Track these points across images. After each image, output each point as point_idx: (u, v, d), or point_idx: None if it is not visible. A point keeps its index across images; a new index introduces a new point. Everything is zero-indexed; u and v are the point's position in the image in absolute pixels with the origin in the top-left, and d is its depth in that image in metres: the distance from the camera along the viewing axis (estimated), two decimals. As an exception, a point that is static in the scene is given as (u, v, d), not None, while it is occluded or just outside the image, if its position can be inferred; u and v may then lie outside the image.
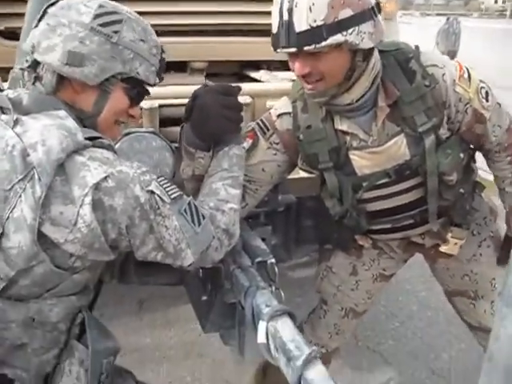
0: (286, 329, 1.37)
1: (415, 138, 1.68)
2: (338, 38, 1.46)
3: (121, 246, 1.33)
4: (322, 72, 1.54)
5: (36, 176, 1.19)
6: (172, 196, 1.35)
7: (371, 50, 1.58)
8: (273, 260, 1.70)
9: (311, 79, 1.57)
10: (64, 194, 1.21)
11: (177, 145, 1.74)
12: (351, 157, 1.73)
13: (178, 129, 1.69)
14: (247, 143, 1.76)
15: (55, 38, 1.34)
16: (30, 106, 1.34)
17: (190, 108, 1.57)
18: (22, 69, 1.46)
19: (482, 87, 1.73)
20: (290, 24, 1.46)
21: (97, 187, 1.23)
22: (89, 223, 1.22)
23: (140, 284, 2.00)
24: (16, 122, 1.26)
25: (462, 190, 1.81)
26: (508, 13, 43.44)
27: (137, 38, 1.41)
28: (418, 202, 1.81)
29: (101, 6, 1.37)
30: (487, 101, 1.73)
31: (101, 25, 1.35)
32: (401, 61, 1.67)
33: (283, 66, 2.85)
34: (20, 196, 1.20)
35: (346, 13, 1.45)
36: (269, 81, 2.76)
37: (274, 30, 1.52)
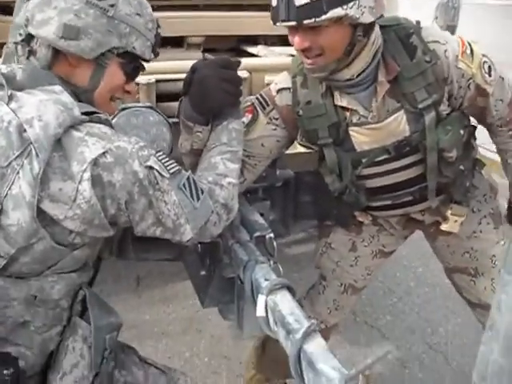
0: (285, 302, 1.37)
1: (415, 114, 1.66)
2: (338, 11, 1.44)
3: (120, 221, 1.33)
4: (321, 46, 1.52)
5: (33, 152, 1.17)
6: (171, 171, 1.34)
7: (372, 24, 1.56)
8: (271, 234, 1.70)
9: (311, 54, 1.55)
10: (62, 170, 1.20)
11: (174, 120, 1.73)
12: (351, 133, 1.72)
13: (175, 104, 1.68)
14: (246, 118, 1.75)
15: (50, 10, 1.31)
16: (24, 82, 1.32)
17: (189, 81, 1.55)
18: (15, 43, 1.43)
19: (484, 61, 1.71)
20: None
21: (95, 163, 1.22)
22: (88, 199, 1.21)
23: (138, 260, 2.00)
24: (10, 98, 1.24)
25: (461, 167, 1.79)
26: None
27: (133, 11, 1.38)
28: (418, 178, 1.80)
29: None
30: (490, 75, 1.71)
31: None
32: (402, 36, 1.65)
33: (281, 40, 2.84)
34: (18, 173, 1.18)
35: None
36: (266, 56, 2.75)
37: (274, 3, 1.50)
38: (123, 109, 1.89)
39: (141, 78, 2.23)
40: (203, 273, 1.91)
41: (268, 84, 1.89)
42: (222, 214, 1.44)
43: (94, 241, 1.35)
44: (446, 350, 3.04)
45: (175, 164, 1.36)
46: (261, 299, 1.40)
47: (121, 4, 1.36)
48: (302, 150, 1.94)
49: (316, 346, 1.20)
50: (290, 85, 1.76)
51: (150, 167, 1.30)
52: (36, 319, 1.33)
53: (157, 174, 1.31)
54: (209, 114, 1.58)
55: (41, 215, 1.20)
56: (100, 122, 1.31)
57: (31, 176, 1.17)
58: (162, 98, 2.29)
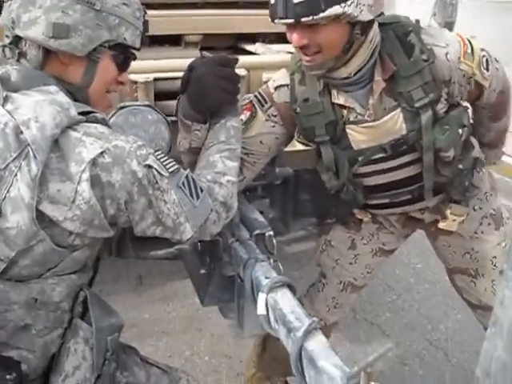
0: (285, 300, 1.37)
1: (412, 113, 1.66)
2: (336, 9, 1.44)
3: (120, 221, 1.32)
4: (319, 44, 1.52)
5: (31, 153, 1.16)
6: (170, 170, 1.33)
7: (370, 22, 1.56)
8: (271, 232, 1.70)
9: (309, 51, 1.55)
10: (60, 171, 1.19)
11: (173, 118, 1.72)
12: (348, 131, 1.72)
13: (173, 102, 1.67)
14: (245, 116, 1.74)
15: (36, 10, 1.29)
16: (19, 83, 1.30)
17: (187, 79, 1.55)
18: (3, 46, 1.38)
19: (483, 56, 1.71)
20: None
21: (94, 163, 1.21)
22: (88, 200, 1.21)
23: (137, 258, 2.00)
24: (6, 100, 1.22)
25: (460, 167, 1.78)
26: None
27: (119, 2, 1.37)
28: (416, 177, 1.79)
29: None
30: (487, 70, 1.71)
31: None
32: (400, 34, 1.64)
33: (279, 38, 2.83)
34: (16, 175, 1.17)
35: None
36: (264, 53, 2.74)
37: (272, 0, 1.50)
38: (121, 107, 1.89)
39: (139, 77, 2.23)
40: (203, 271, 1.91)
41: (266, 82, 1.88)
42: (222, 212, 1.44)
43: (94, 242, 1.34)
44: (446, 346, 3.04)
45: (174, 163, 1.35)
46: (261, 297, 1.40)
47: None
48: (301, 147, 1.93)
49: (317, 344, 1.20)
50: (288, 82, 1.76)
51: (149, 166, 1.29)
52: (37, 322, 1.32)
53: (156, 172, 1.30)
54: (207, 113, 1.57)
55: (40, 217, 1.19)
56: (97, 121, 1.30)
57: (29, 178, 1.16)
58: (161, 96, 2.29)
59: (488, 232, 1.99)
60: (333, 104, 1.70)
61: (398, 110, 1.66)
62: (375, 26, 1.60)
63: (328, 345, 1.20)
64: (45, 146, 1.16)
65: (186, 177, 1.36)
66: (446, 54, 1.64)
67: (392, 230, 2.07)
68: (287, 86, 1.76)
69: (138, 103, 1.96)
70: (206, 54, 1.62)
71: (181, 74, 1.59)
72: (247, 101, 1.79)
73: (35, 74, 1.33)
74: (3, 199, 1.18)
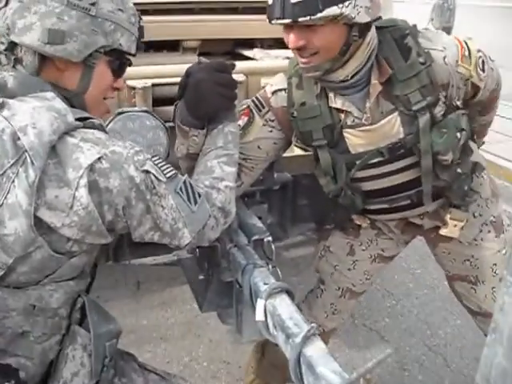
0: (284, 306, 1.36)
1: (409, 116, 1.65)
2: (333, 10, 1.44)
3: (117, 227, 1.31)
4: (316, 45, 1.52)
5: (28, 160, 1.16)
6: (167, 175, 1.32)
7: (368, 25, 1.56)
8: (269, 238, 1.70)
9: (306, 53, 1.55)
10: (58, 177, 1.18)
11: (171, 124, 1.72)
12: (345, 135, 1.71)
13: (171, 108, 1.67)
14: (242, 121, 1.74)
15: (31, 16, 1.28)
16: (15, 89, 1.30)
17: (184, 85, 1.55)
18: None
19: (479, 58, 1.71)
20: None
21: (91, 169, 1.20)
22: (85, 205, 1.20)
23: (135, 258, 2.00)
24: (2, 106, 1.22)
25: (459, 171, 1.77)
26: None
27: (115, 7, 1.36)
28: (414, 182, 1.78)
29: None
30: (483, 71, 1.72)
31: None
32: (397, 37, 1.65)
33: (277, 44, 2.83)
34: (13, 181, 1.16)
35: None
36: (262, 59, 2.74)
37: (270, 1, 1.50)
38: (119, 113, 1.88)
39: (137, 82, 2.23)
40: (201, 277, 1.91)
41: (264, 87, 1.88)
42: (220, 217, 1.43)
43: (92, 248, 1.34)
44: (445, 352, 3.03)
45: (171, 168, 1.35)
46: (260, 303, 1.40)
47: (102, 1, 1.34)
48: (299, 153, 1.93)
49: (316, 350, 1.20)
50: (285, 86, 1.76)
51: (147, 171, 1.29)
52: (35, 329, 1.31)
53: (153, 178, 1.29)
54: (204, 118, 1.57)
55: (38, 224, 1.19)
56: (94, 127, 1.30)
57: (27, 184, 1.16)
58: (159, 102, 2.29)
59: (488, 239, 1.98)
60: (330, 108, 1.70)
61: (396, 113, 1.66)
62: (373, 28, 1.60)
63: (327, 351, 1.20)
64: (42, 152, 1.16)
65: (184, 182, 1.35)
66: (444, 57, 1.64)
67: (391, 236, 2.07)
68: (284, 90, 1.76)
69: (136, 109, 1.96)
70: (203, 59, 1.62)
71: (179, 80, 1.58)
72: (245, 106, 1.79)
73: (32, 80, 1.33)
74: (0, 206, 1.17)
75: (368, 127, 1.68)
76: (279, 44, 2.70)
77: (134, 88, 2.23)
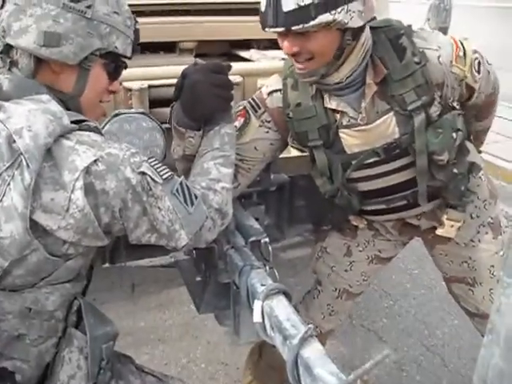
0: (281, 307, 1.36)
1: (405, 116, 1.65)
2: (326, 17, 1.44)
3: (114, 230, 1.31)
4: (311, 51, 1.52)
5: (24, 163, 1.15)
6: (163, 176, 1.32)
7: (362, 27, 1.55)
8: (266, 239, 1.70)
9: (300, 58, 1.55)
10: (54, 180, 1.18)
11: (167, 125, 1.72)
12: (341, 135, 1.71)
13: (168, 109, 1.67)
14: (239, 122, 1.74)
15: (26, 18, 1.28)
16: (10, 92, 1.29)
17: (180, 87, 1.55)
18: None
19: (475, 59, 1.71)
20: (277, 3, 1.44)
21: (87, 171, 1.20)
22: (81, 208, 1.20)
23: (132, 260, 1.99)
24: None
25: (455, 171, 1.77)
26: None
27: (110, 10, 1.36)
28: (410, 182, 1.78)
29: None
30: (479, 73, 1.71)
31: (72, 0, 1.30)
32: (391, 37, 1.64)
33: (273, 44, 2.83)
34: (8, 184, 1.16)
35: None
36: (259, 60, 2.74)
37: (262, 8, 1.50)
38: (116, 115, 1.88)
39: (133, 84, 2.23)
40: (198, 279, 1.90)
41: (261, 88, 1.88)
42: (217, 219, 1.43)
43: (88, 250, 1.33)
44: (443, 352, 3.04)
45: (168, 170, 1.35)
46: (257, 305, 1.40)
47: (98, 4, 1.33)
48: (296, 154, 1.93)
49: (313, 351, 1.20)
50: (280, 86, 1.76)
51: (143, 173, 1.28)
52: (31, 332, 1.31)
53: (150, 179, 1.29)
54: (200, 120, 1.57)
55: (33, 226, 1.18)
56: (90, 129, 1.30)
57: (22, 187, 1.15)
58: (155, 103, 2.29)
59: (486, 241, 1.97)
60: (325, 108, 1.70)
61: (391, 113, 1.66)
62: (367, 30, 1.60)
63: (324, 352, 1.20)
64: (38, 154, 1.16)
65: (180, 184, 1.35)
66: (439, 57, 1.64)
67: (388, 237, 2.07)
68: (280, 91, 1.76)
69: (132, 110, 1.95)
70: (198, 60, 1.62)
71: (175, 81, 1.58)
72: (241, 107, 1.79)
73: (27, 82, 1.33)
74: None
75: (363, 127, 1.68)
76: (275, 45, 2.70)
77: (130, 90, 2.23)
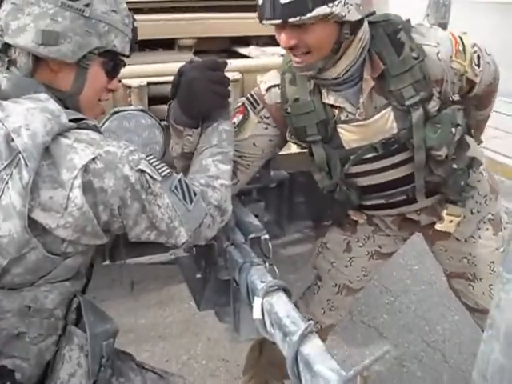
0: (281, 304, 1.36)
1: (403, 111, 1.65)
2: (323, 9, 1.43)
3: (113, 228, 1.31)
4: (308, 45, 1.52)
5: (22, 161, 1.15)
6: (162, 174, 1.32)
7: (359, 21, 1.55)
8: (266, 236, 1.69)
9: (298, 52, 1.55)
10: (52, 178, 1.18)
11: (166, 123, 1.72)
12: (339, 130, 1.71)
13: (167, 106, 1.67)
14: (237, 118, 1.74)
15: (24, 17, 1.28)
16: (9, 91, 1.29)
17: (176, 84, 1.54)
18: None
19: (474, 52, 1.70)
20: None
21: (85, 169, 1.20)
22: (80, 206, 1.20)
23: (132, 258, 1.99)
24: None
25: (454, 166, 1.76)
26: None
27: (108, 9, 1.36)
28: (409, 177, 1.78)
29: None
30: (479, 66, 1.71)
31: None
32: (389, 32, 1.64)
33: (272, 41, 2.83)
34: (7, 183, 1.16)
35: None
36: (258, 56, 2.74)
37: (260, 1, 1.50)
38: (115, 112, 1.88)
39: (133, 81, 2.23)
40: (199, 275, 1.91)
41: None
42: (216, 215, 1.43)
43: (87, 249, 1.33)
44: (443, 347, 3.04)
45: (166, 167, 1.35)
46: (257, 301, 1.40)
47: (96, 3, 1.33)
48: (296, 150, 1.93)
49: (313, 348, 1.20)
50: (278, 82, 1.76)
51: (141, 171, 1.28)
52: (31, 330, 1.31)
53: (148, 177, 1.29)
54: (198, 117, 1.57)
55: (32, 225, 1.18)
56: (88, 128, 1.29)
57: (21, 185, 1.15)
58: (155, 100, 2.28)
59: (486, 237, 1.97)
60: (324, 103, 1.70)
61: (389, 108, 1.65)
62: (365, 24, 1.60)
63: (324, 348, 1.20)
64: (36, 153, 1.15)
65: (179, 181, 1.35)
66: (438, 53, 1.63)
67: (388, 233, 2.07)
68: (278, 86, 1.75)
69: (131, 108, 1.95)
70: (195, 58, 1.62)
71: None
72: (240, 103, 1.78)
73: (25, 81, 1.33)
74: None
75: (361, 122, 1.68)
76: (274, 41, 2.69)
77: (129, 87, 2.23)
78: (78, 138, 1.23)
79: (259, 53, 2.79)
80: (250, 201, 2.09)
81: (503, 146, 5.70)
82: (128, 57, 1.46)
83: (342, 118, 1.69)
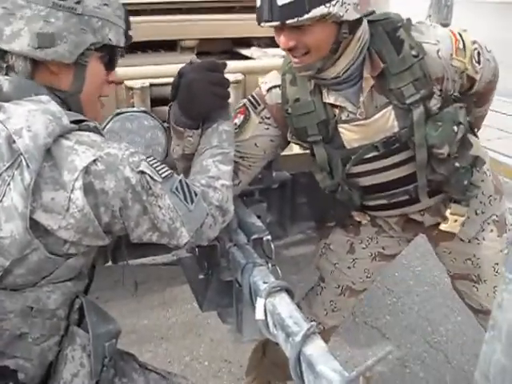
0: (283, 305, 1.36)
1: (403, 109, 1.64)
2: (321, 10, 1.43)
3: (114, 229, 1.31)
4: (307, 45, 1.52)
5: (24, 163, 1.15)
6: (163, 175, 1.32)
7: (358, 21, 1.55)
8: (269, 237, 1.70)
9: (297, 53, 1.55)
10: (54, 180, 1.18)
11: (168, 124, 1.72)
12: (340, 130, 1.71)
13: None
14: (239, 119, 1.74)
15: (17, 22, 1.28)
16: (10, 93, 1.29)
17: (176, 86, 1.55)
18: None
19: (474, 49, 1.70)
20: None
21: (86, 171, 1.20)
22: (81, 208, 1.20)
23: (134, 259, 2.00)
24: None
25: (457, 164, 1.75)
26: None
27: (100, 3, 1.36)
28: (411, 177, 1.77)
29: None
30: (479, 63, 1.70)
31: None
32: (389, 30, 1.64)
33: (274, 42, 2.82)
34: (8, 184, 1.16)
35: None
36: (260, 58, 2.74)
37: (258, 3, 1.50)
38: (118, 114, 1.88)
39: (135, 83, 2.23)
40: (201, 276, 1.90)
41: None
42: (218, 216, 1.43)
43: (89, 250, 1.33)
44: (446, 348, 3.04)
45: (167, 168, 1.35)
46: (259, 302, 1.40)
47: None
48: (297, 151, 1.93)
49: (316, 348, 1.20)
50: (279, 82, 1.76)
51: (142, 172, 1.28)
52: (33, 330, 1.31)
53: (149, 178, 1.29)
54: (198, 118, 1.57)
55: (34, 226, 1.18)
56: (89, 129, 1.30)
57: (22, 187, 1.15)
58: (157, 102, 2.29)
59: (490, 238, 1.96)
60: (324, 103, 1.70)
61: (390, 107, 1.65)
62: (364, 23, 1.60)
63: (327, 349, 1.20)
64: (37, 154, 1.16)
65: (180, 181, 1.35)
66: (438, 51, 1.63)
67: (391, 234, 2.06)
68: (279, 87, 1.76)
69: (134, 109, 1.96)
70: (194, 59, 1.62)
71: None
72: (241, 104, 1.79)
73: (27, 83, 1.32)
74: None
75: (362, 122, 1.68)
76: (276, 43, 2.70)
77: (132, 88, 2.23)
78: (79, 140, 1.23)
79: (261, 54, 2.79)
80: (253, 202, 2.09)
81: (506, 147, 5.68)
82: (124, 48, 1.46)
83: (343, 117, 1.69)
